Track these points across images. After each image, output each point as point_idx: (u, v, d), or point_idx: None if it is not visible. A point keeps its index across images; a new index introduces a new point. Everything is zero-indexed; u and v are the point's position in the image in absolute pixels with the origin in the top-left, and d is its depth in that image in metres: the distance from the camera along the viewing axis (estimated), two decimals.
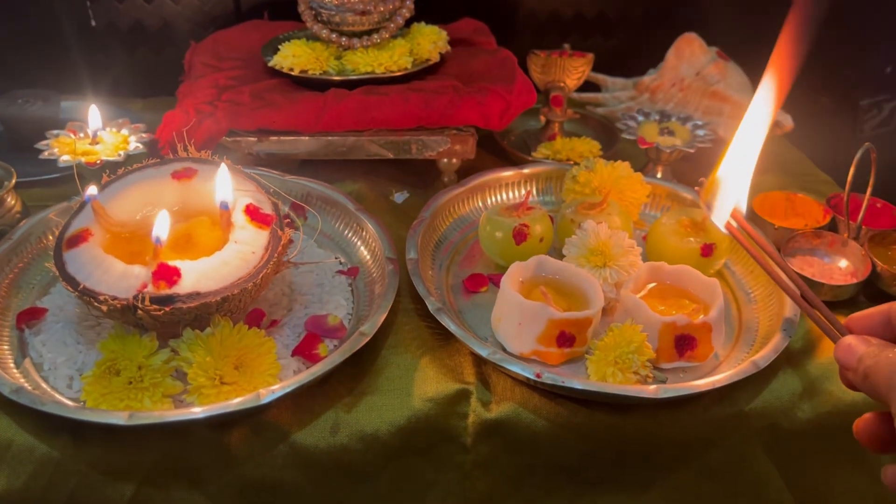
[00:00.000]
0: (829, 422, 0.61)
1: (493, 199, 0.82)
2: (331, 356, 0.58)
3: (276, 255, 0.59)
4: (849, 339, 0.42)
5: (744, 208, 0.52)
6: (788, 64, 0.51)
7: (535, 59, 0.94)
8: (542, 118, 0.98)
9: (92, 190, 0.60)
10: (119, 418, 0.51)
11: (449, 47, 0.90)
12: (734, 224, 0.51)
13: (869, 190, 0.74)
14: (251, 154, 0.81)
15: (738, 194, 0.51)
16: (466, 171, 0.85)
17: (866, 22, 1.17)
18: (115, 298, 0.54)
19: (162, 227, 0.56)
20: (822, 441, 0.62)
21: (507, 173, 0.83)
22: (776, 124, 0.92)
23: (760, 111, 0.52)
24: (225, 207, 0.59)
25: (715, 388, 0.57)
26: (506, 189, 0.83)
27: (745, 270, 0.73)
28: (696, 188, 0.53)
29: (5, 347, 0.61)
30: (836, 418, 0.61)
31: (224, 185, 0.60)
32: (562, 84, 0.95)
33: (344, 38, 0.85)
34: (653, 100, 0.99)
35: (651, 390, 0.57)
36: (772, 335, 0.63)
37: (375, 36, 0.85)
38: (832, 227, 0.79)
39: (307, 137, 0.81)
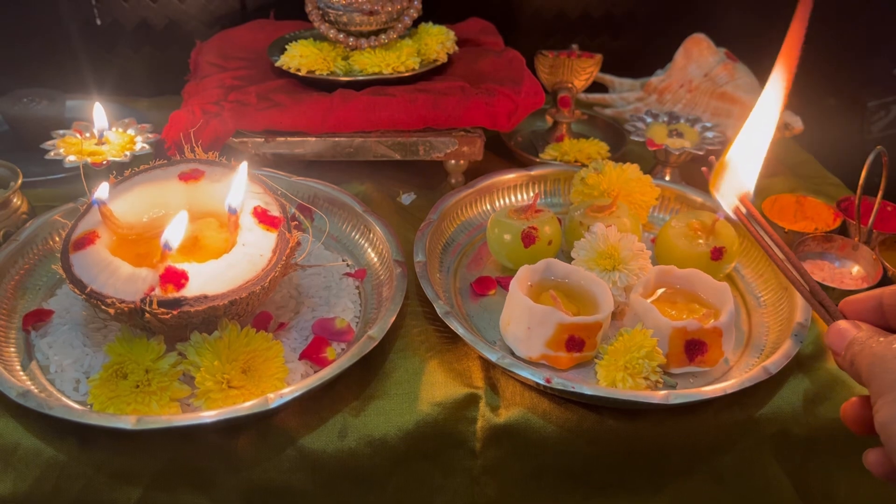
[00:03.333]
0: (839, 427, 0.60)
1: (501, 201, 0.82)
2: (339, 360, 0.58)
3: (283, 257, 0.59)
4: (840, 324, 0.43)
5: (752, 194, 0.52)
6: (796, 55, 0.52)
7: (543, 60, 0.93)
8: (550, 119, 0.97)
9: (100, 192, 0.60)
10: (126, 422, 0.51)
11: (456, 48, 0.89)
12: (742, 209, 0.51)
13: (880, 193, 0.74)
14: (258, 155, 0.81)
15: (748, 180, 0.52)
16: (473, 172, 0.84)
17: (873, 23, 1.16)
18: (122, 302, 0.54)
19: (175, 233, 0.56)
20: (833, 447, 0.61)
21: (515, 175, 0.82)
22: (786, 126, 0.91)
23: (772, 99, 0.53)
24: (233, 212, 0.59)
25: (725, 393, 0.57)
26: (513, 191, 0.83)
27: (755, 274, 0.73)
28: (704, 169, 0.53)
29: (12, 350, 0.60)
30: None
31: (238, 189, 0.59)
32: (569, 85, 0.94)
33: (351, 39, 0.85)
34: (661, 101, 0.98)
35: (661, 396, 0.56)
36: (782, 340, 0.63)
37: (383, 36, 0.85)
38: (842, 230, 0.79)
39: (314, 138, 0.81)
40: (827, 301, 0.47)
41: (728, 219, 0.55)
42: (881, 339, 0.40)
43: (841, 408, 0.45)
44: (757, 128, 0.53)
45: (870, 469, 0.42)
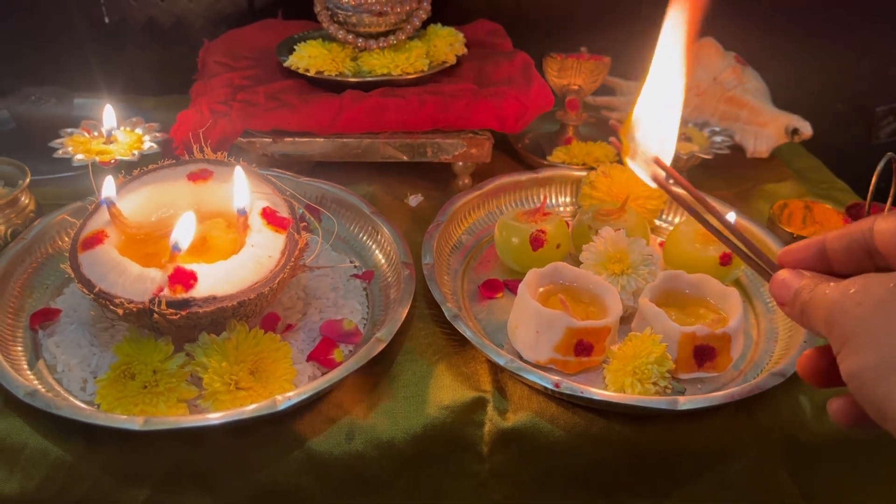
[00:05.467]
0: (847, 435, 0.61)
1: (509, 203, 0.82)
2: (347, 362, 0.57)
3: (292, 258, 0.59)
4: (783, 274, 0.42)
5: (668, 159, 0.51)
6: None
7: (552, 62, 0.93)
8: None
9: (107, 191, 0.59)
10: (134, 423, 0.51)
11: (465, 49, 0.89)
12: (660, 172, 0.50)
13: (889, 200, 0.73)
14: (266, 155, 0.81)
15: (663, 143, 0.50)
16: (481, 173, 0.84)
17: (881, 28, 1.16)
18: (131, 302, 0.53)
19: (183, 234, 0.56)
20: (841, 454, 0.61)
21: (523, 177, 0.82)
22: (795, 131, 0.91)
23: (671, 55, 0.51)
24: (242, 213, 0.58)
25: (734, 399, 0.57)
26: (521, 194, 0.82)
27: (763, 280, 0.72)
28: (612, 139, 0.52)
29: (19, 349, 0.60)
30: (854, 431, 0.60)
31: (241, 190, 0.59)
32: (577, 87, 0.94)
33: (360, 40, 0.84)
34: None
35: (670, 401, 0.56)
36: (791, 346, 0.63)
37: (392, 37, 0.84)
38: None
39: (322, 139, 0.81)
40: (764, 256, 0.46)
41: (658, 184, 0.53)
42: (832, 284, 0.38)
43: (797, 362, 0.44)
44: (662, 90, 0.51)
45: (833, 418, 0.41)
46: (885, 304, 0.35)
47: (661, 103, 0.50)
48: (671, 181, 0.49)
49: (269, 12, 1.03)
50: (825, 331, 0.38)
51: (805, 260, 0.42)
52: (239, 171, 0.60)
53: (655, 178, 0.49)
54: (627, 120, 0.49)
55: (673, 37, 0.49)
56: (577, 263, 0.69)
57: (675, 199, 0.49)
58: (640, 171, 0.49)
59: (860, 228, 0.40)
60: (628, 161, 0.50)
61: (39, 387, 0.56)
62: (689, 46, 0.50)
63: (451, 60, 0.87)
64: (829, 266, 0.42)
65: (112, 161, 0.74)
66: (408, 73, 0.83)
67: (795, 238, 0.77)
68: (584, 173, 0.82)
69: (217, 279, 0.55)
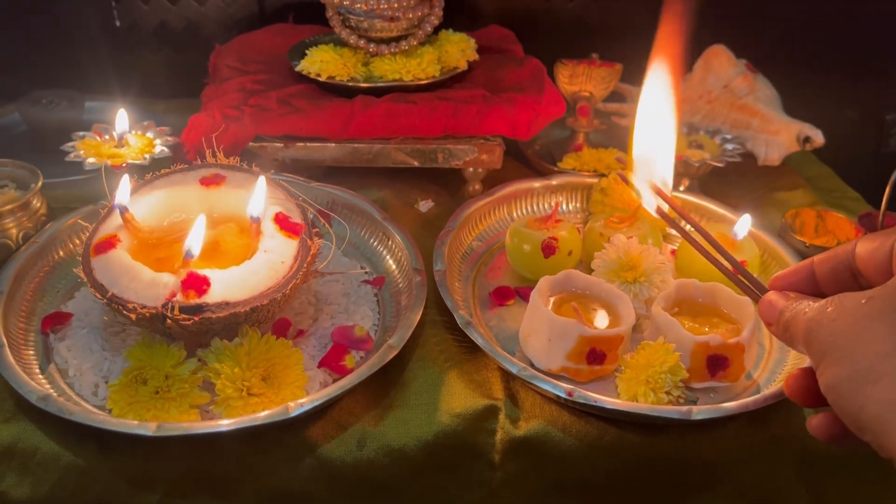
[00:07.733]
0: (860, 446, 0.60)
1: (520, 210, 0.82)
2: (359, 369, 0.57)
3: (305, 264, 0.58)
4: (769, 296, 0.44)
5: (668, 187, 0.54)
6: (676, 44, 0.54)
7: (563, 69, 0.93)
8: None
9: (121, 195, 0.59)
10: (147, 429, 0.51)
11: (477, 55, 0.89)
12: (664, 205, 0.52)
13: None
14: (277, 160, 0.81)
15: (661, 174, 0.53)
16: (491, 180, 0.84)
17: (891, 34, 1.16)
18: (143, 307, 0.53)
19: (196, 239, 0.56)
20: (854, 465, 0.61)
21: (536, 184, 0.82)
22: (806, 140, 0.91)
23: (658, 91, 0.55)
24: (256, 219, 0.58)
25: (748, 410, 0.56)
26: (532, 200, 0.82)
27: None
28: (619, 173, 0.55)
29: (31, 353, 0.60)
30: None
31: (259, 198, 0.59)
32: (588, 94, 0.94)
33: (372, 45, 0.84)
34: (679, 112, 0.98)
35: (684, 411, 0.56)
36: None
37: (403, 43, 0.85)
38: None
39: (333, 144, 0.81)
40: (754, 280, 0.48)
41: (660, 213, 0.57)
42: (811, 303, 0.40)
43: (784, 382, 0.45)
44: (654, 125, 0.55)
45: (814, 434, 0.43)
46: (857, 319, 0.37)
47: (656, 144, 0.53)
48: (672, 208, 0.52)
49: (281, 17, 1.04)
50: (805, 347, 0.40)
51: (795, 284, 0.45)
52: (262, 181, 0.60)
53: (658, 211, 0.52)
54: (629, 158, 0.53)
55: (658, 82, 0.52)
56: (589, 271, 0.68)
57: (673, 227, 0.52)
58: (647, 203, 0.54)
59: (845, 251, 0.43)
60: (633, 192, 0.53)
61: (52, 391, 0.56)
62: (677, 87, 0.53)
63: (463, 66, 0.87)
64: (819, 289, 0.44)
65: (123, 164, 0.74)
66: (419, 79, 0.83)
67: (808, 247, 0.76)
68: (595, 180, 0.82)
69: (230, 285, 0.55)
